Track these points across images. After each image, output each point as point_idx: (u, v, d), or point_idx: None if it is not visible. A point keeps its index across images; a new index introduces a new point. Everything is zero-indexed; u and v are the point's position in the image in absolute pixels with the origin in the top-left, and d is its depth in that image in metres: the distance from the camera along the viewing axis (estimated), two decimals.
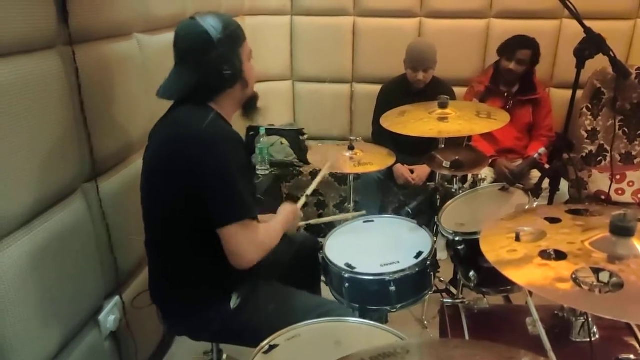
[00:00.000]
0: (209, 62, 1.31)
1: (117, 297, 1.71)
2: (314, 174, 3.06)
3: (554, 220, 1.04)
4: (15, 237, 1.25)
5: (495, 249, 1.01)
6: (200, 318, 1.42)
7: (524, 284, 0.88)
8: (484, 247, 1.02)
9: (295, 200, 1.72)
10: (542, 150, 1.69)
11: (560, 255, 0.93)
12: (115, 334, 1.71)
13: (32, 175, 1.28)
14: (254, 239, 1.35)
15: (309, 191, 1.82)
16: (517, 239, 1.04)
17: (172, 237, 1.39)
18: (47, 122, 1.33)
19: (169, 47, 2.01)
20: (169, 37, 2.02)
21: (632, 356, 1.19)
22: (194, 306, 1.42)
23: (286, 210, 1.59)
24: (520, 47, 2.73)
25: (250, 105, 1.51)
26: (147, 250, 1.48)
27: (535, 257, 0.93)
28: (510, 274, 0.91)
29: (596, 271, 0.88)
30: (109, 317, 1.65)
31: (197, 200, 1.28)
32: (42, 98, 1.30)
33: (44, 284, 1.34)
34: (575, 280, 0.81)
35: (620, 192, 2.68)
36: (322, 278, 1.80)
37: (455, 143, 2.25)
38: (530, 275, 0.89)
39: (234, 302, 1.43)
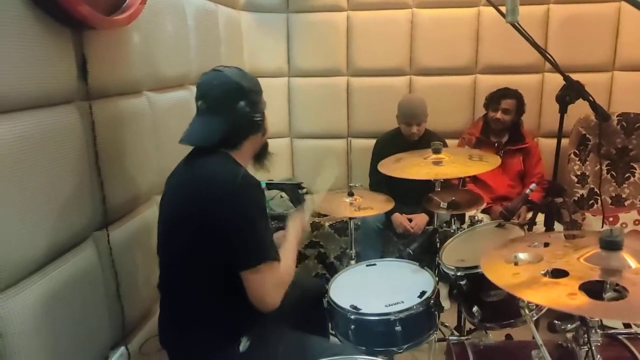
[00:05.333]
0: (241, 109, 1.41)
1: (122, 348, 1.70)
2: (314, 225, 3.12)
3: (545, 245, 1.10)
4: (28, 283, 1.27)
5: (500, 276, 1.05)
6: None
7: (540, 302, 0.93)
8: (489, 274, 1.06)
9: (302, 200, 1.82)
10: (533, 186, 1.77)
11: (562, 273, 0.98)
12: None
13: (48, 221, 1.33)
14: (276, 280, 1.38)
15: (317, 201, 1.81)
16: (516, 264, 1.09)
17: (188, 280, 1.41)
18: (64, 171, 1.40)
19: (175, 104, 2.15)
20: (175, 95, 2.19)
21: None
22: (203, 350, 1.42)
23: (294, 230, 1.62)
24: (504, 97, 2.91)
25: (262, 153, 1.59)
26: (160, 293, 1.50)
27: (540, 278, 0.98)
28: (522, 295, 0.95)
29: (599, 283, 0.93)
30: None
31: (219, 244, 1.33)
32: (60, 149, 1.38)
33: (53, 331, 1.34)
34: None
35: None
36: None
37: (450, 188, 2.34)
38: (541, 294, 0.94)
39: (243, 346, 1.43)
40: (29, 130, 1.26)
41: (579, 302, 0.83)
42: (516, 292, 0.92)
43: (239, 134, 1.45)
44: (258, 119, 1.45)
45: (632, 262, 0.91)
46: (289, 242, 1.56)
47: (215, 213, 1.32)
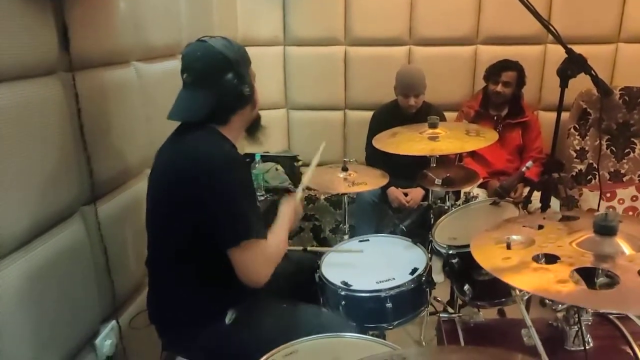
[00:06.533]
0: (227, 82, 1.35)
1: (113, 322, 1.70)
2: (309, 198, 3.10)
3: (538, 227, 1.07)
4: (13, 258, 1.25)
5: (489, 258, 1.03)
6: (196, 335, 1.42)
7: (528, 289, 0.90)
8: (478, 257, 1.04)
9: (292, 191, 1.72)
10: (529, 163, 1.74)
11: (552, 259, 0.95)
12: (112, 359, 1.69)
13: (31, 197, 1.30)
14: (264, 257, 1.36)
15: (306, 181, 1.75)
16: (509, 247, 1.07)
17: (174, 256, 1.40)
18: (47, 145, 1.36)
19: (165, 75, 2.09)
20: (165, 65, 2.12)
21: None
22: (190, 323, 1.42)
23: (287, 210, 1.58)
24: (504, 69, 2.84)
25: (254, 127, 1.54)
26: (148, 269, 1.49)
27: (531, 263, 0.96)
28: (509, 279, 0.93)
29: (590, 270, 0.90)
30: (105, 341, 1.64)
31: (204, 222, 1.31)
32: (42, 122, 1.33)
33: (40, 306, 1.34)
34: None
35: (611, 209, 2.72)
36: None
37: (446, 164, 2.30)
38: (530, 279, 0.92)
39: (229, 318, 1.43)
40: (9, 103, 1.21)
41: (568, 290, 0.81)
42: (504, 276, 0.90)
43: (227, 108, 1.39)
44: (246, 91, 1.39)
45: (626, 249, 0.89)
46: (280, 220, 1.53)
47: (198, 191, 1.29)
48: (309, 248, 1.88)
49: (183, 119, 1.41)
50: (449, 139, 1.90)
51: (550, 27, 1.76)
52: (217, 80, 1.35)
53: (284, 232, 1.51)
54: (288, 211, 1.58)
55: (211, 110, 1.36)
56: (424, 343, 2.28)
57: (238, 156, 1.38)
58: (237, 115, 1.42)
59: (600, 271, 0.87)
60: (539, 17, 1.71)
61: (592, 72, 1.74)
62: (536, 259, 0.94)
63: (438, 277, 2.57)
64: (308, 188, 2.17)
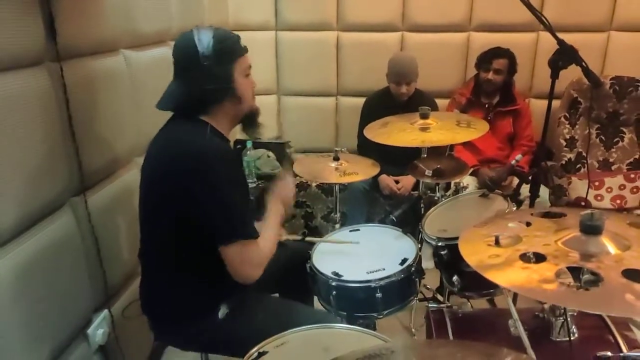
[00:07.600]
0: (195, 76, 1.33)
1: (105, 311, 1.71)
2: (300, 186, 3.10)
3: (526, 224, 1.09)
4: (3, 251, 1.25)
5: (476, 253, 1.05)
6: (188, 329, 1.43)
7: (509, 286, 0.92)
8: (465, 252, 1.06)
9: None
10: (518, 157, 1.75)
11: (539, 257, 0.97)
12: (104, 348, 1.71)
13: (20, 189, 1.29)
14: (255, 256, 1.36)
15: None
16: (497, 243, 1.08)
17: (165, 250, 1.40)
18: (35, 136, 1.34)
19: (155, 62, 2.06)
20: (155, 52, 2.09)
21: (609, 353, 1.23)
22: (182, 317, 1.43)
23: (275, 206, 1.57)
24: (495, 57, 2.83)
25: (249, 120, 1.51)
26: (141, 261, 1.50)
27: (517, 261, 0.97)
28: (493, 276, 0.94)
29: (575, 269, 0.91)
30: (98, 330, 1.65)
31: (195, 216, 1.31)
32: (30, 113, 1.32)
33: (32, 297, 1.34)
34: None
35: (599, 198, 2.75)
36: None
37: (438, 153, 2.31)
38: (514, 277, 0.93)
39: (221, 313, 1.44)
40: None
41: (552, 290, 0.82)
42: (489, 274, 0.91)
43: (199, 101, 1.37)
44: (210, 87, 1.34)
45: (611, 248, 0.90)
46: (270, 219, 1.52)
47: (188, 184, 1.29)
48: (306, 238, 1.87)
49: (163, 108, 1.41)
50: (440, 130, 1.90)
51: (542, 17, 1.75)
52: (187, 73, 1.35)
53: (275, 231, 1.50)
54: (276, 206, 1.57)
55: (185, 101, 1.36)
56: (413, 330, 2.32)
57: (230, 150, 1.38)
58: (216, 109, 1.40)
59: (585, 270, 0.89)
60: (531, 7, 1.70)
61: (583, 63, 1.74)
62: (525, 257, 0.95)
63: (428, 263, 2.60)
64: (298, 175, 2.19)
